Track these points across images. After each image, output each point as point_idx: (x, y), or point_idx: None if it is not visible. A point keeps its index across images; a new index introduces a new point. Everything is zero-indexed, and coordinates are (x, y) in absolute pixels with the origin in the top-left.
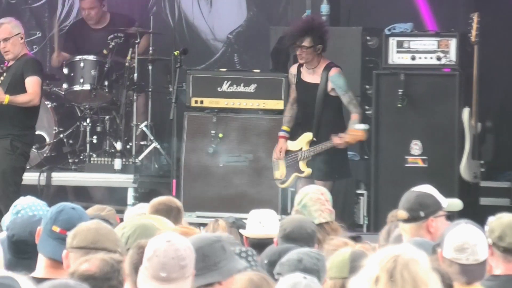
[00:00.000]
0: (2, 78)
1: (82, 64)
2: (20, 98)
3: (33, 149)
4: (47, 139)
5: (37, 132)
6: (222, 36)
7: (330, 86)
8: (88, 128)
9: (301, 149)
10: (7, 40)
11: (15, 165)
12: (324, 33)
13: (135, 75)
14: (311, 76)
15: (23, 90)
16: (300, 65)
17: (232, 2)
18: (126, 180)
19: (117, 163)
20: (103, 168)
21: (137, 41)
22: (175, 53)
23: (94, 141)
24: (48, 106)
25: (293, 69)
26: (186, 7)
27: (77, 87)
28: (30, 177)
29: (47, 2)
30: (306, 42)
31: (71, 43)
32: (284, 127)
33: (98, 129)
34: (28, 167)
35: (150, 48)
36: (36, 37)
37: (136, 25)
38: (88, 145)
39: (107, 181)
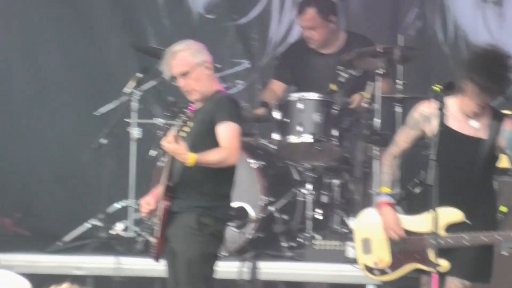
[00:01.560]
0: (186, 129)
1: (301, 106)
2: (211, 156)
3: (230, 228)
4: (251, 214)
5: (235, 204)
6: None
7: (502, 143)
8: (309, 198)
9: (433, 232)
10: (187, 75)
11: (205, 250)
12: None
13: (377, 120)
14: (466, 126)
15: (214, 143)
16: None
17: None
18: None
19: (351, 249)
20: (331, 255)
21: (381, 71)
22: (436, 88)
23: (318, 217)
24: (252, 166)
25: (428, 108)
26: (465, 21)
27: (293, 139)
28: (227, 268)
29: (259, 17)
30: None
31: (287, 71)
32: (387, 189)
33: (324, 199)
34: (224, 254)
35: (399, 81)
36: (242, 67)
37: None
38: (309, 223)
39: (336, 275)
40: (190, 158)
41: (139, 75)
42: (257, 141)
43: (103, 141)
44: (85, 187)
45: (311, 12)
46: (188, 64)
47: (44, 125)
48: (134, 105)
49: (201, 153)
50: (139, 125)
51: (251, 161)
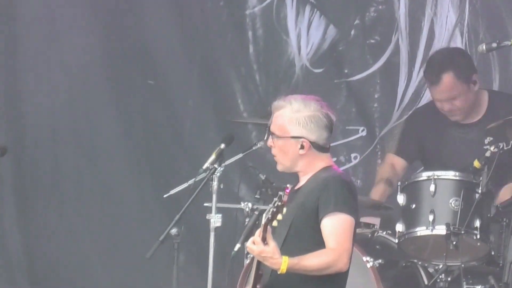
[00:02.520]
0: (279, 217)
1: (433, 188)
2: (311, 261)
3: None
4: None
5: None
6: None
7: None
8: None
9: None
10: (277, 139)
11: None
12: None
13: None
14: None
15: (316, 238)
16: None
17: None
18: None
19: None
20: None
21: None
22: None
23: None
24: (368, 265)
25: None
26: None
27: (422, 231)
28: None
29: (382, 71)
30: None
31: (412, 144)
32: None
33: None
34: None
35: None
36: (357, 136)
37: None
38: None
39: None
40: (283, 263)
41: (222, 146)
42: (374, 233)
43: (174, 232)
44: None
45: (448, 79)
46: (282, 128)
47: (97, 207)
48: (214, 185)
49: (298, 257)
50: (220, 210)
51: (366, 258)
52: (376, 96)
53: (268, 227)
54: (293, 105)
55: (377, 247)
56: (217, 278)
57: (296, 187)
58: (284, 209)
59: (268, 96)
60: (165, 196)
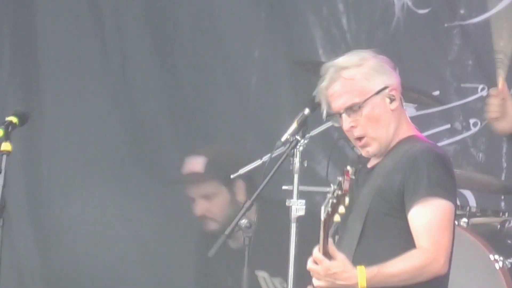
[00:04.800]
0: (340, 210)
1: None
2: (396, 268)
3: None
4: None
5: None
6: None
7: None
8: None
9: None
10: (358, 111)
11: None
12: None
13: None
14: None
15: (404, 234)
16: None
17: None
18: None
19: None
20: None
21: None
22: None
23: None
24: (496, 265)
25: None
26: None
27: None
28: None
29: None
30: None
31: None
32: None
33: None
34: None
35: None
36: (475, 97)
37: None
38: None
39: None
40: (359, 276)
41: (307, 111)
42: (505, 224)
43: (244, 223)
44: None
45: None
46: (359, 91)
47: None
48: (296, 162)
49: (377, 266)
50: (303, 195)
51: (495, 257)
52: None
53: (330, 239)
54: (348, 62)
55: (509, 241)
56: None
57: (369, 166)
58: (347, 200)
59: (358, 46)
60: (232, 176)
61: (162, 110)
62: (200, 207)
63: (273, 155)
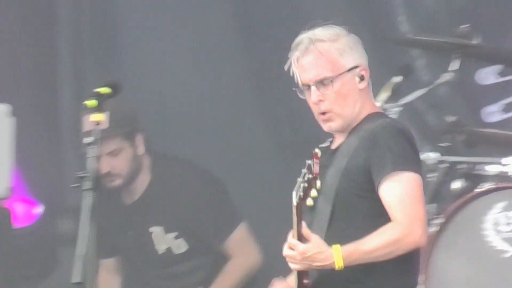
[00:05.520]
0: (312, 194)
1: None
2: (372, 243)
3: None
4: None
5: None
6: None
7: None
8: None
9: None
10: (328, 85)
11: None
12: None
13: None
14: None
15: (375, 212)
16: None
17: None
18: None
19: None
20: None
21: None
22: None
23: None
24: None
25: None
26: None
27: None
28: None
29: None
30: None
31: None
32: None
33: None
34: None
35: None
36: None
37: None
38: None
39: None
40: (335, 255)
41: (397, 79)
42: None
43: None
44: None
45: None
46: (331, 66)
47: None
48: None
49: (353, 243)
50: None
51: None
52: None
53: (303, 222)
54: (325, 36)
55: None
56: None
57: (333, 147)
58: (318, 183)
59: (440, 12)
60: (315, 150)
61: (260, 112)
62: (106, 164)
63: None
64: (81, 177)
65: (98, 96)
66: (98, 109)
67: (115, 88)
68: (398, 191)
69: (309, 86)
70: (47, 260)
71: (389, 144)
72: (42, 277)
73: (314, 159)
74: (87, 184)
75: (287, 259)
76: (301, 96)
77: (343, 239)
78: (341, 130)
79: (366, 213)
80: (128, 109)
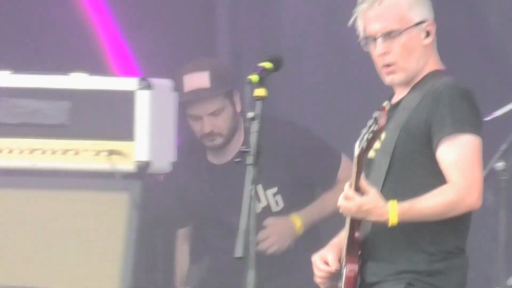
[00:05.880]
0: (376, 146)
1: None
2: (428, 203)
3: None
4: None
5: None
6: None
7: None
8: None
9: None
10: (394, 38)
11: None
12: None
13: None
14: None
15: (432, 170)
16: None
17: None
18: None
19: None
20: None
21: None
22: None
23: None
24: None
25: None
26: None
27: None
28: None
29: None
30: None
31: None
32: None
33: None
34: None
35: None
36: None
37: None
38: None
39: None
40: (390, 211)
41: None
42: None
43: (500, 165)
44: None
45: None
46: (400, 19)
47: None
48: None
49: (409, 201)
50: None
51: None
52: None
53: (362, 174)
54: None
55: None
56: None
57: (393, 102)
58: (383, 135)
59: None
60: (487, 119)
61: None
62: (209, 124)
63: None
64: (244, 152)
65: (261, 71)
66: (260, 83)
67: (278, 63)
68: (457, 153)
69: (374, 38)
70: None
71: (451, 104)
72: None
73: (382, 111)
74: (250, 159)
75: (341, 210)
76: (364, 49)
77: (399, 196)
78: (403, 83)
79: (423, 170)
80: (227, 67)
